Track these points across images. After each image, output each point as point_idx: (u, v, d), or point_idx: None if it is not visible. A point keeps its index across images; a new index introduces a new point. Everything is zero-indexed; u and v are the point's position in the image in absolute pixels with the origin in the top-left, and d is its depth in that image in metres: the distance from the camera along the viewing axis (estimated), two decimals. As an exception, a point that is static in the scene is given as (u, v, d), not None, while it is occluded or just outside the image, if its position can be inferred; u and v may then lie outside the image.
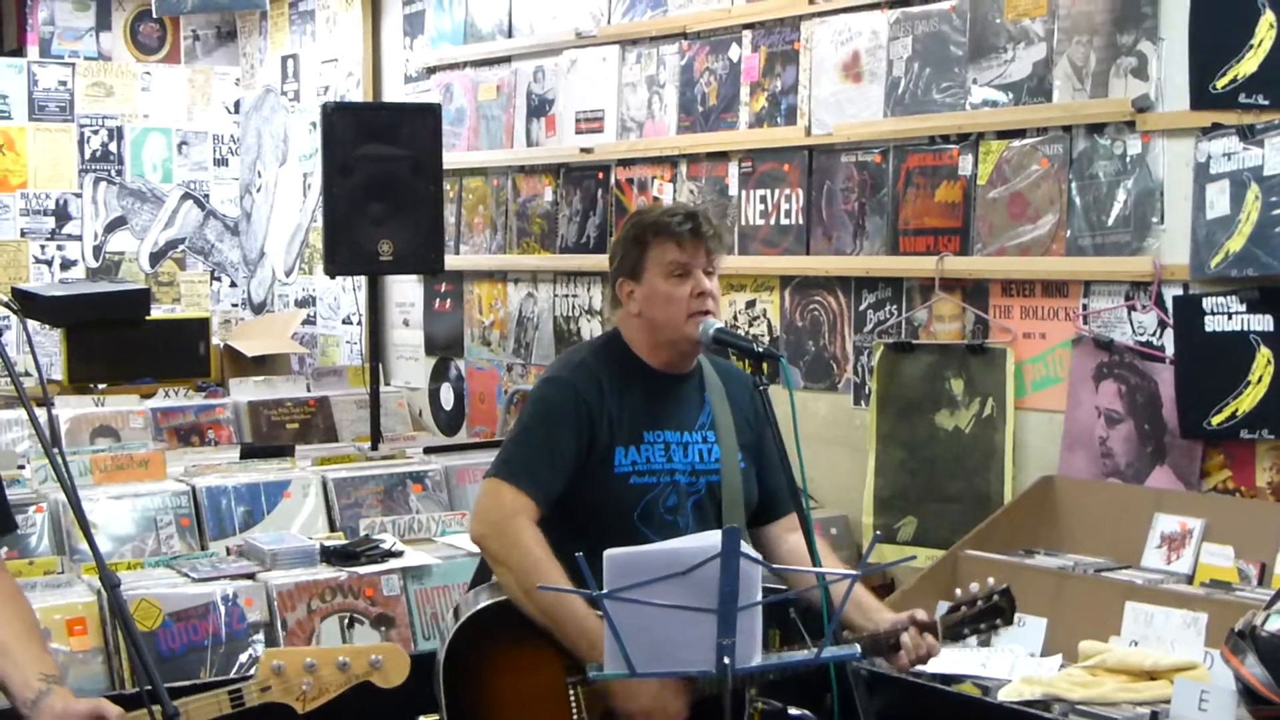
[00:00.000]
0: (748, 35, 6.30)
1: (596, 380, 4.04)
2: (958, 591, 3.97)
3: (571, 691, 3.95)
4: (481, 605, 4.03)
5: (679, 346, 4.04)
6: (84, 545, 5.41)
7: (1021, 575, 4.64)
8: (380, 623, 5.27)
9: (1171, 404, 4.87)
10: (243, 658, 5.08)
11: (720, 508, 4.04)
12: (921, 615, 3.88)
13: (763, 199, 6.21)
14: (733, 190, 6.34)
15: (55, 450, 3.19)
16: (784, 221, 6.12)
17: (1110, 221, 5.04)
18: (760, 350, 3.88)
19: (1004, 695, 4.26)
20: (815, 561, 3.77)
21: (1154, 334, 4.95)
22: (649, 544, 3.43)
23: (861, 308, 5.83)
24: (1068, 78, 5.16)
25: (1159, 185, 4.91)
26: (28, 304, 7.62)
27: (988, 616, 3.91)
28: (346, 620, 5.26)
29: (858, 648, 3.56)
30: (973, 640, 4.07)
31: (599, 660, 3.80)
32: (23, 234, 9.30)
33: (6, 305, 3.25)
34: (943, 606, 4.03)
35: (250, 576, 5.31)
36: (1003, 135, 5.36)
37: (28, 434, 6.51)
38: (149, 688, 3.09)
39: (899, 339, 5.66)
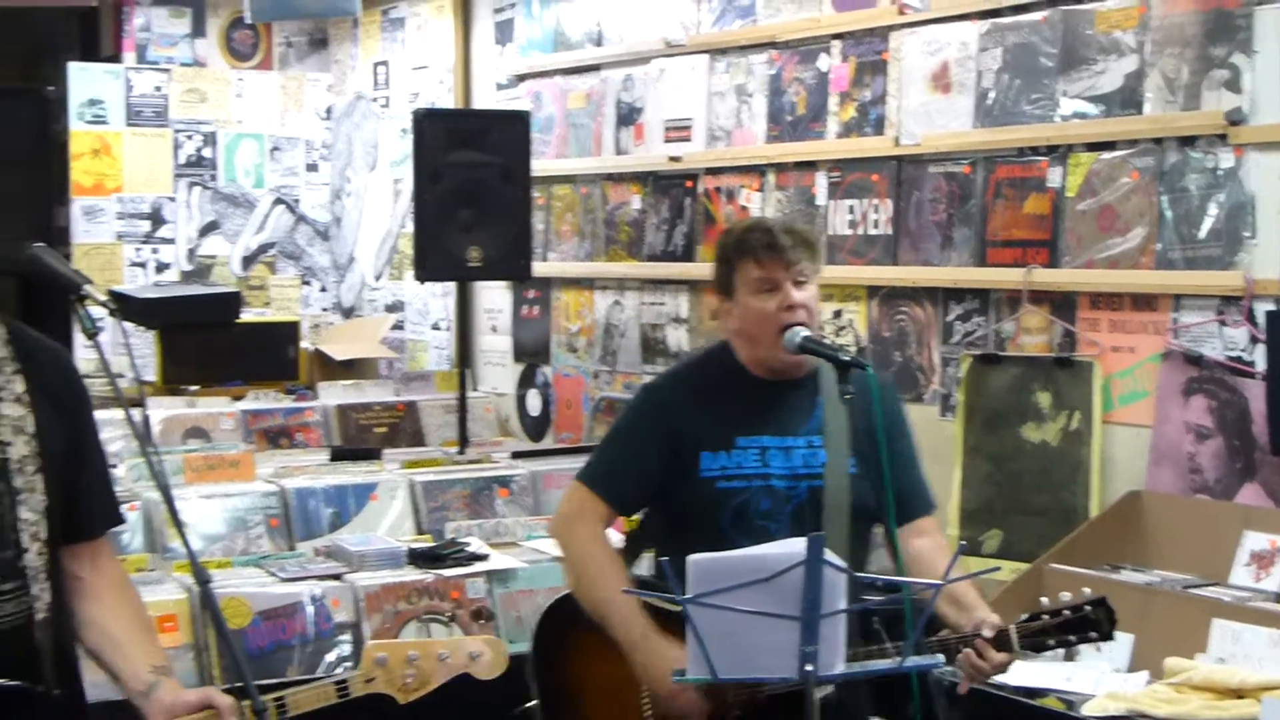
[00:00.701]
0: (837, 45, 6.31)
1: (686, 387, 4.12)
2: (1043, 600, 3.92)
3: (643, 685, 4.03)
4: (566, 591, 4.16)
5: (775, 362, 4.06)
6: (175, 543, 5.49)
7: (1107, 590, 4.55)
8: (466, 624, 5.32)
9: (1262, 420, 4.83)
10: (329, 657, 5.14)
11: (820, 514, 4.05)
12: (990, 626, 3.83)
13: (850, 209, 6.21)
14: (820, 200, 6.35)
15: (150, 450, 3.26)
16: (871, 232, 6.13)
17: (1201, 235, 5.02)
18: (846, 359, 3.89)
19: (1088, 710, 4.24)
20: (900, 574, 3.79)
21: (1244, 349, 4.92)
22: (734, 549, 3.46)
23: (949, 319, 5.82)
24: (1159, 90, 5.14)
25: (1251, 199, 4.88)
26: (123, 306, 7.70)
27: (1077, 628, 3.82)
28: (431, 622, 5.31)
29: (940, 657, 3.56)
30: (1058, 654, 4.04)
31: (640, 665, 3.91)
32: (118, 237, 9.41)
33: (104, 305, 3.29)
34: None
35: (337, 577, 5.37)
36: (1092, 147, 5.34)
37: (121, 434, 6.57)
38: (240, 684, 3.15)
39: (986, 351, 5.65)
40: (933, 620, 3.81)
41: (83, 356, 8.87)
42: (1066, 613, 3.76)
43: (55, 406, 3.34)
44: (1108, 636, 3.79)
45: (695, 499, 4.03)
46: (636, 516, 4.38)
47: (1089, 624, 3.76)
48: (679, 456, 4.03)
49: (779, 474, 4.04)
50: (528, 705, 4.32)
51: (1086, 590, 3.85)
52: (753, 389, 4.09)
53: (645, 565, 4.30)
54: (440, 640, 3.53)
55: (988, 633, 3.77)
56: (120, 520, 3.60)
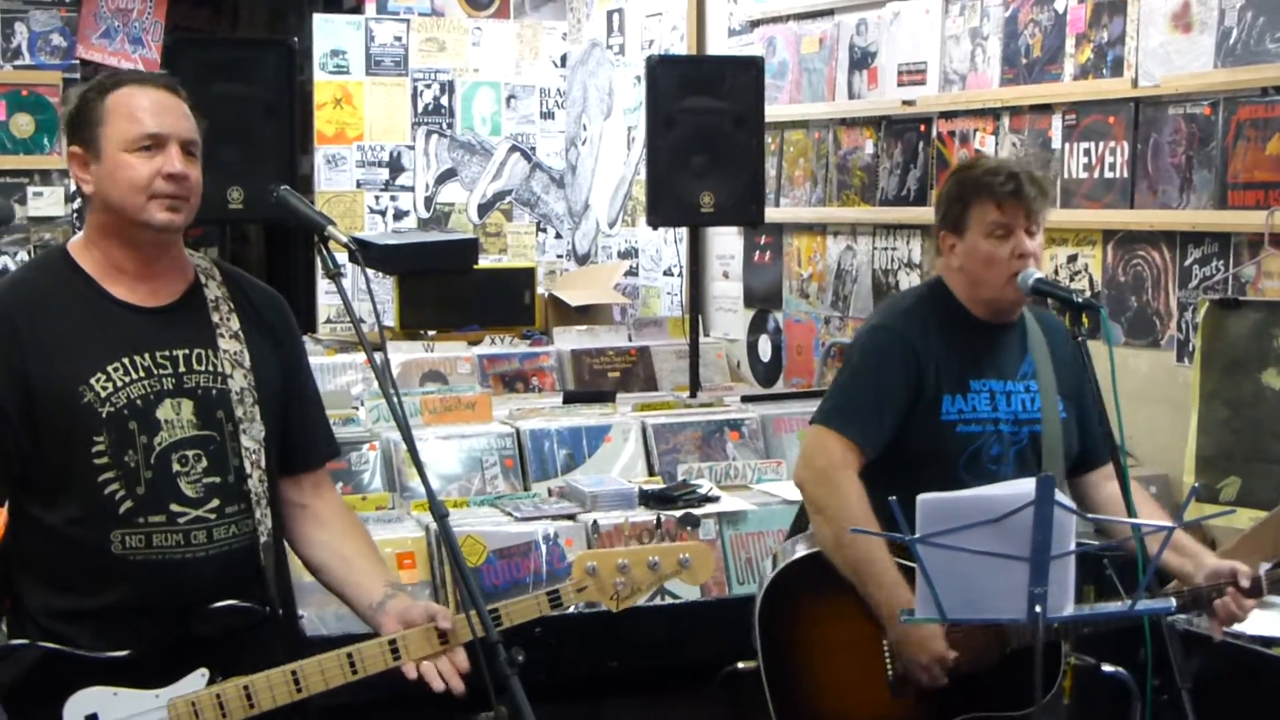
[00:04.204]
0: (1074, -14, 6.22)
1: (924, 327, 4.10)
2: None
3: (886, 642, 4.01)
4: (799, 555, 4.13)
5: (997, 304, 4.06)
6: (414, 483, 5.63)
7: (1349, 538, 4.53)
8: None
9: None
10: (562, 596, 5.22)
11: (1040, 458, 4.05)
12: (1244, 576, 3.81)
13: (1086, 152, 6.12)
14: (1056, 143, 6.27)
15: (392, 392, 3.38)
16: (1108, 175, 6.03)
17: None
18: (1080, 301, 3.87)
19: (1326, 658, 4.18)
20: (1131, 513, 3.76)
21: None
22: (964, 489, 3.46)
23: (1187, 263, 5.72)
24: None
25: None
26: (363, 253, 7.87)
27: None
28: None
29: (1172, 601, 3.54)
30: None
31: (897, 634, 3.89)
32: (359, 185, 9.60)
33: (346, 246, 3.42)
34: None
35: (571, 517, 5.47)
36: (1340, 86, 5.21)
37: (361, 377, 6.76)
38: (473, 611, 3.25)
39: (1225, 295, 5.54)
40: (1130, 564, 3.79)
41: (325, 302, 9.12)
42: None
43: (269, 342, 3.52)
44: None
45: (934, 442, 4.05)
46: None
47: None
48: (924, 398, 4.04)
49: (1005, 419, 4.05)
50: (739, 666, 4.35)
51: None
52: (976, 331, 4.08)
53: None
54: (650, 547, 3.56)
55: (1244, 583, 3.76)
56: (337, 453, 3.78)
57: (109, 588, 3.31)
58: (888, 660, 4.01)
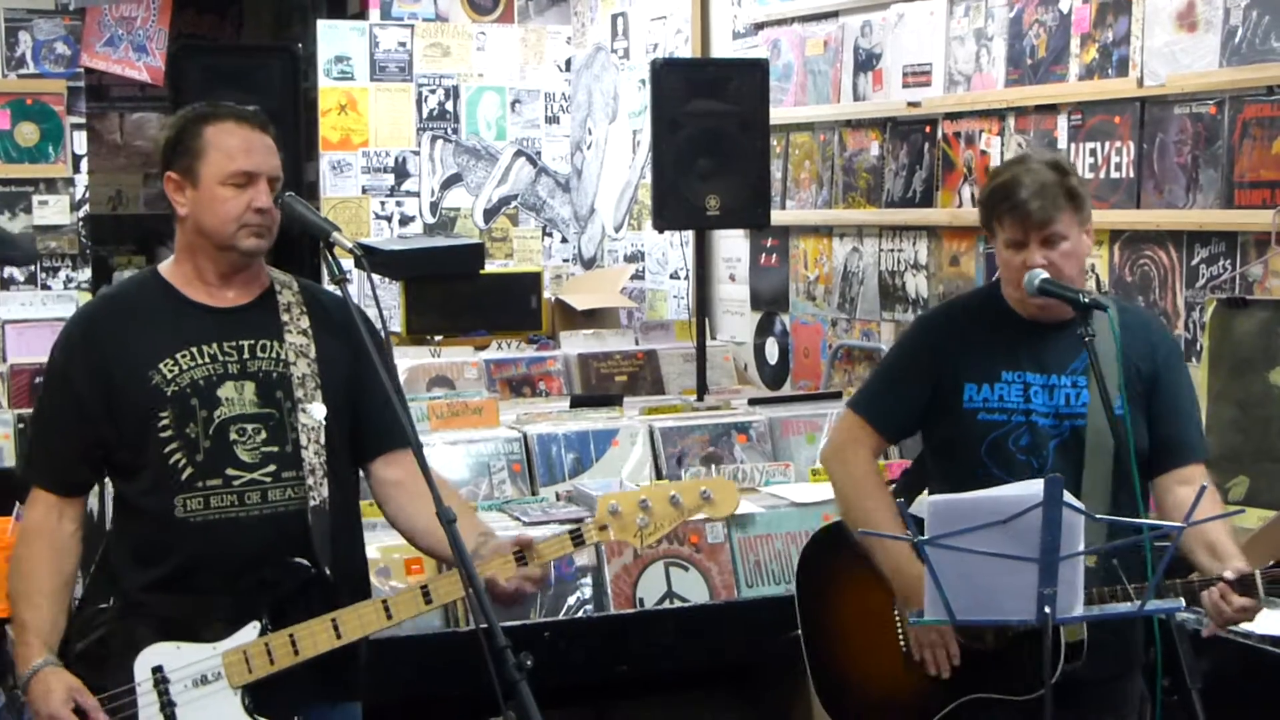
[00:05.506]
0: (1079, -14, 6.21)
1: (957, 319, 4.22)
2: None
3: (897, 614, 4.15)
4: (830, 521, 4.30)
5: (1024, 307, 4.06)
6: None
7: (1358, 537, 4.52)
8: (704, 567, 5.37)
9: None
10: (571, 600, 5.23)
11: (1084, 452, 4.03)
12: (1233, 571, 3.78)
13: (1092, 152, 6.12)
14: (1061, 144, 6.26)
15: (398, 399, 3.54)
16: (1114, 175, 6.03)
17: None
18: (1086, 300, 3.87)
19: (1337, 659, 4.17)
20: (1141, 516, 3.76)
21: None
22: (983, 487, 3.50)
23: (1193, 263, 5.71)
24: None
25: None
26: (369, 258, 7.87)
27: None
28: (672, 565, 5.37)
29: (1181, 601, 3.53)
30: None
31: (901, 588, 4.01)
32: (364, 191, 9.61)
33: (352, 252, 3.56)
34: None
35: (579, 521, 5.45)
36: (1346, 84, 5.20)
37: (369, 382, 6.75)
38: (484, 626, 3.26)
39: (1232, 295, 5.53)
40: (1182, 565, 3.78)
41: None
42: None
43: (338, 340, 3.77)
44: None
45: (957, 429, 4.09)
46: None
47: None
48: (944, 386, 4.11)
49: (1041, 411, 4.05)
50: (790, 635, 4.42)
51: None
52: (1018, 326, 4.10)
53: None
54: (672, 483, 3.66)
55: (1230, 575, 3.74)
56: (406, 444, 3.84)
57: (175, 551, 3.63)
58: (900, 637, 4.10)
